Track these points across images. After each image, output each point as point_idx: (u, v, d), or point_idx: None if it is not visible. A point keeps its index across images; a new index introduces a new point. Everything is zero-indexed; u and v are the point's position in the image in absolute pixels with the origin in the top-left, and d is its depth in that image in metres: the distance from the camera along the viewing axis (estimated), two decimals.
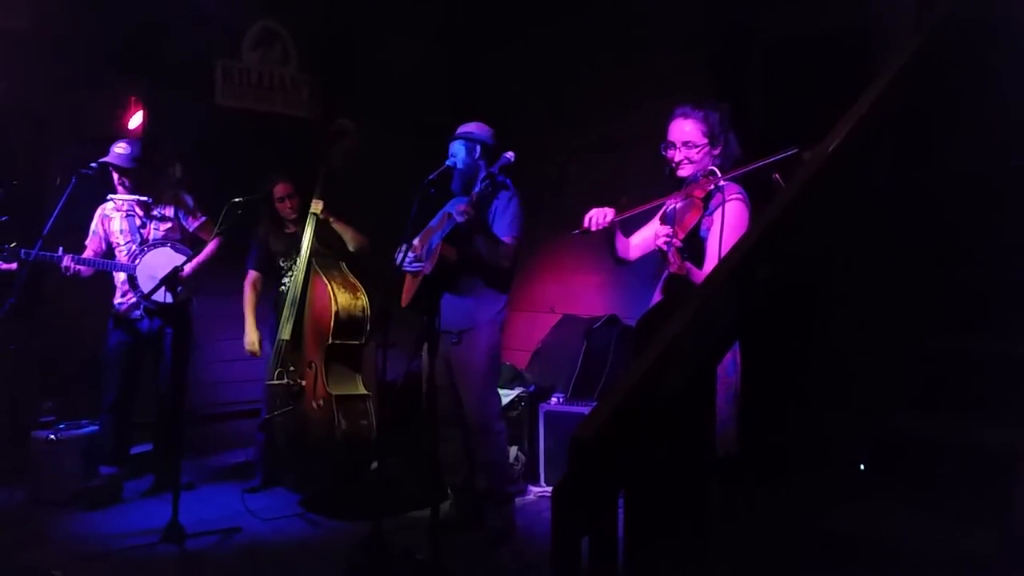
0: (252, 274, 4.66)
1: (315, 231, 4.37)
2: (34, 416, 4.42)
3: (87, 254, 4.37)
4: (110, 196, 4.44)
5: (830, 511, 2.17)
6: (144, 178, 4.42)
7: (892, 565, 2.02)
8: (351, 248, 4.49)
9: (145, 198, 4.42)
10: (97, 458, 4.42)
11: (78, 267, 4.20)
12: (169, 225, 4.49)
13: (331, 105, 5.82)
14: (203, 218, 4.54)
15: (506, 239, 3.71)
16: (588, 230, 2.88)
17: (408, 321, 3.96)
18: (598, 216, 2.87)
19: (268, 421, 4.43)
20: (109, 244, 4.46)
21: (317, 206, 4.36)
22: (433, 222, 3.91)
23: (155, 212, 4.46)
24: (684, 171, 2.91)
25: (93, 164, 4.25)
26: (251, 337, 4.56)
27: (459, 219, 3.49)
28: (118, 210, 4.45)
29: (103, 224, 4.46)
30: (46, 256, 4.09)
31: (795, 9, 4.60)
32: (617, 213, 2.86)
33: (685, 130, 2.90)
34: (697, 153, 2.89)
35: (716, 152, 2.89)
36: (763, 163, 2.67)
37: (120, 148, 4.33)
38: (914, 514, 2.13)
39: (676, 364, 1.80)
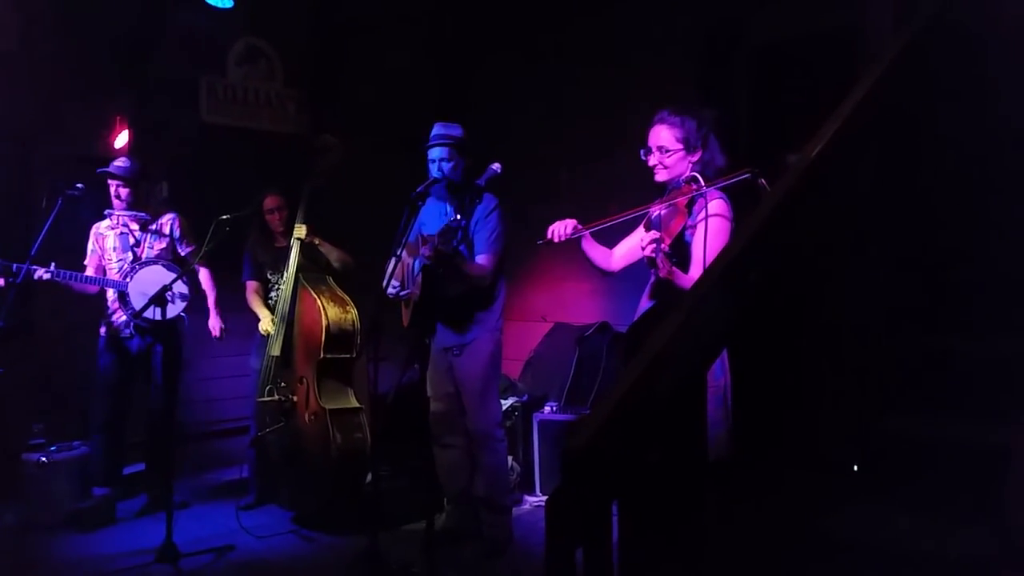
0: (251, 284, 4.69)
1: (300, 251, 4.38)
2: (25, 439, 4.39)
3: (89, 273, 4.39)
4: (107, 212, 4.45)
5: (825, 514, 2.17)
6: (141, 194, 4.46)
7: (887, 566, 2.01)
8: (336, 266, 4.51)
9: (142, 214, 4.45)
10: (90, 479, 4.40)
11: (58, 278, 4.17)
12: (164, 245, 4.50)
13: (318, 120, 5.83)
14: (192, 247, 4.53)
15: (482, 256, 3.67)
16: (551, 241, 2.97)
17: (399, 334, 3.95)
18: (559, 228, 2.95)
19: (260, 438, 4.41)
20: None
21: (301, 231, 4.36)
22: (411, 236, 3.87)
23: (152, 227, 4.47)
24: (659, 176, 2.92)
25: (79, 185, 4.26)
26: (265, 323, 4.52)
27: (425, 262, 3.49)
28: (112, 228, 4.46)
29: (98, 242, 4.47)
30: (5, 264, 4.05)
31: (779, 14, 4.63)
32: (583, 226, 2.95)
33: (661, 136, 2.90)
34: (670, 158, 2.89)
35: (694, 159, 2.88)
36: (723, 183, 2.74)
37: (120, 162, 4.40)
38: (908, 515, 2.12)
39: (666, 371, 1.79)
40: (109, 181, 4.39)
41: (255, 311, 4.60)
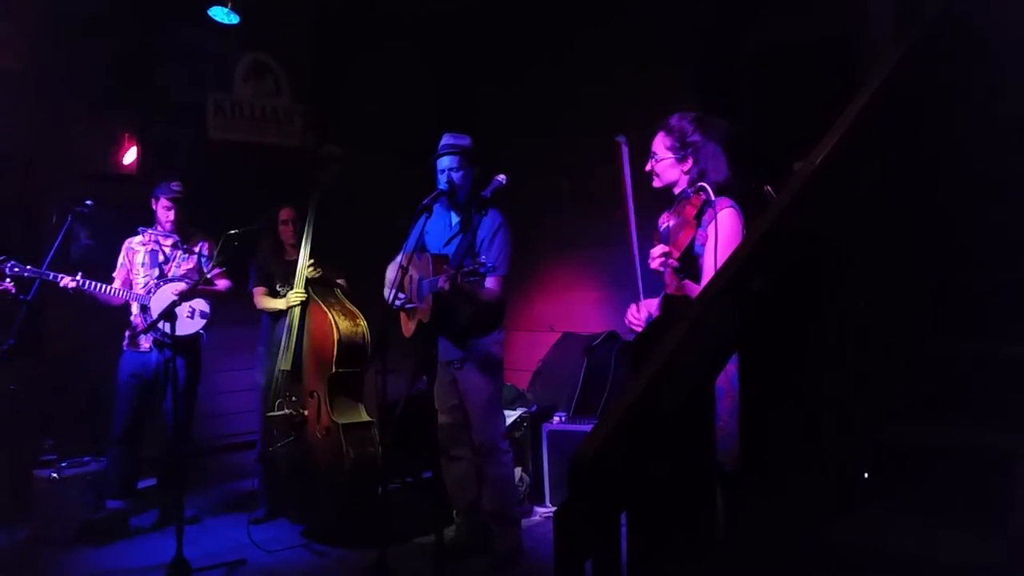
0: (259, 289, 4.71)
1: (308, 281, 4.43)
2: (36, 455, 4.41)
3: (116, 285, 4.44)
4: (140, 228, 4.51)
5: (835, 521, 2.16)
6: (186, 215, 4.55)
7: (897, 573, 2.00)
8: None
9: (176, 237, 4.54)
10: (104, 492, 4.42)
11: (83, 288, 4.23)
12: (191, 265, 4.56)
13: (324, 134, 5.85)
14: (219, 269, 4.56)
15: (491, 280, 3.64)
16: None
17: (407, 345, 3.96)
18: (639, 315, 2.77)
19: (269, 452, 4.41)
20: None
21: (313, 272, 4.41)
22: (411, 244, 3.83)
23: (184, 247, 4.56)
24: (654, 183, 2.88)
25: (88, 202, 4.30)
26: (291, 296, 4.44)
27: (441, 290, 3.49)
28: (143, 244, 4.53)
29: (128, 257, 4.54)
30: (38, 273, 4.10)
31: (781, 20, 4.63)
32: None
33: (655, 142, 2.85)
34: (659, 165, 2.83)
35: (686, 168, 2.80)
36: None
37: (174, 184, 4.51)
38: (914, 522, 2.12)
39: (674, 380, 1.79)
40: (163, 200, 4.47)
41: (270, 307, 4.60)
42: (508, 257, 3.77)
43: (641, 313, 2.72)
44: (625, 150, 2.79)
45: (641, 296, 2.75)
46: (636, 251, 2.77)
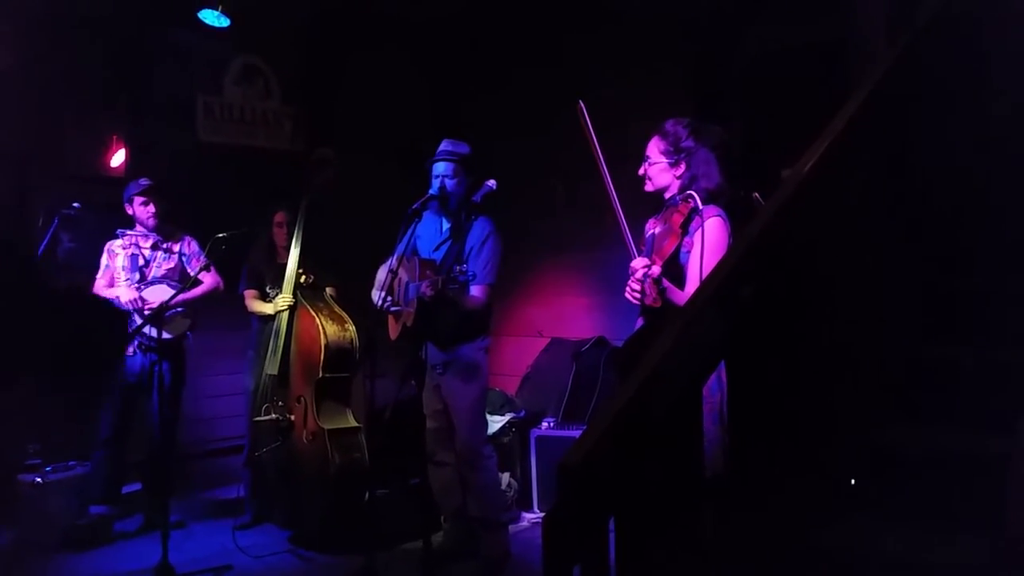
0: (250, 292, 4.69)
1: (298, 268, 4.41)
2: (20, 459, 4.37)
3: (102, 287, 4.43)
4: (118, 231, 4.49)
5: (823, 527, 2.16)
6: (162, 211, 4.51)
7: None
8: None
9: (156, 236, 4.51)
10: (88, 497, 4.38)
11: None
12: (172, 264, 4.54)
13: (314, 137, 5.84)
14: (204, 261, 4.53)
15: (477, 288, 3.65)
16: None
17: (396, 350, 3.94)
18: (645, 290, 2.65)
19: (256, 457, 4.39)
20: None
21: (305, 280, 4.42)
22: (407, 251, 3.82)
23: (163, 247, 4.53)
24: (646, 187, 2.89)
25: (76, 204, 4.28)
26: (279, 302, 4.43)
27: (424, 297, 3.48)
28: (124, 248, 4.50)
29: (110, 260, 4.52)
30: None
31: (773, 27, 4.65)
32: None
33: (650, 145, 2.87)
34: (652, 169, 2.84)
35: (678, 173, 2.81)
36: None
37: (142, 180, 4.45)
38: (905, 525, 2.12)
39: (661, 387, 1.79)
40: (137, 199, 4.43)
41: (259, 311, 4.58)
42: (496, 266, 3.76)
43: (638, 274, 2.65)
44: (585, 113, 2.87)
45: (634, 254, 2.74)
46: (619, 209, 2.76)
